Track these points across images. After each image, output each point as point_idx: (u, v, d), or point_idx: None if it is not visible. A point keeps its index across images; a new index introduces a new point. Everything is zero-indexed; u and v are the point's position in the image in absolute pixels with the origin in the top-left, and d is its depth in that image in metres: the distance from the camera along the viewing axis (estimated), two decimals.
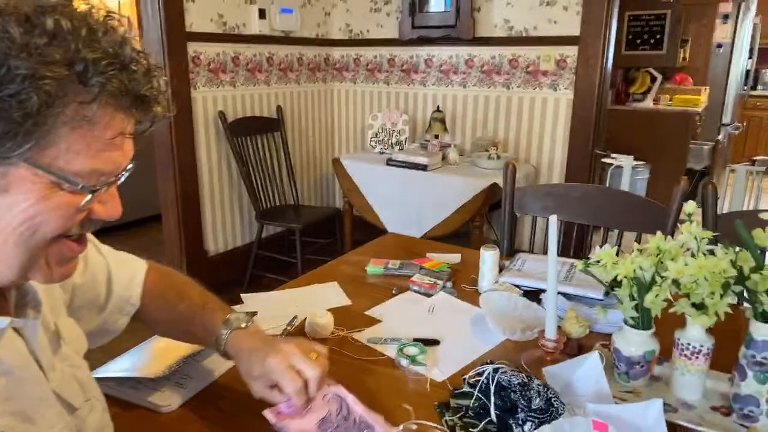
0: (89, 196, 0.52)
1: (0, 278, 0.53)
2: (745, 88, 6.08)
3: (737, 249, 0.85)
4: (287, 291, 1.31)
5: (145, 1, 2.73)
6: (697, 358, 0.87)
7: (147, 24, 2.77)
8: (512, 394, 0.81)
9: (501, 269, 1.33)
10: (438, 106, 3.41)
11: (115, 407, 0.86)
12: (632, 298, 0.89)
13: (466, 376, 0.90)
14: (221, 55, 3.03)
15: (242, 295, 1.28)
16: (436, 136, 3.27)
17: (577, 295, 1.18)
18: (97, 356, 0.92)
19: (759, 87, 7.13)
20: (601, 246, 0.92)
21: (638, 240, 1.52)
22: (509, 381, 0.82)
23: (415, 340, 1.05)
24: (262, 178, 3.20)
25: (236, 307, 1.20)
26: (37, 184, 0.49)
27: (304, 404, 0.78)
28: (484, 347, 1.06)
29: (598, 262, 0.91)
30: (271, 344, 0.82)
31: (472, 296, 1.27)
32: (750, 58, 5.74)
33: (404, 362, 0.98)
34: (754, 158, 3.66)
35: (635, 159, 3.52)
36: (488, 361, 0.89)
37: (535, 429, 0.76)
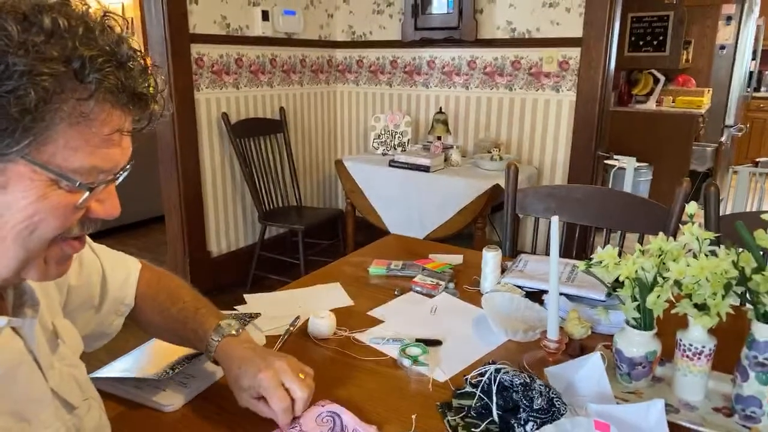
0: (87, 194, 0.53)
1: None
2: (749, 89, 6.07)
3: (739, 250, 0.85)
4: (290, 291, 1.32)
5: (148, 2, 2.74)
6: (699, 358, 0.87)
7: (150, 26, 2.79)
8: (514, 394, 0.81)
9: (503, 270, 1.33)
10: (440, 108, 3.41)
11: (119, 406, 0.87)
12: (634, 298, 0.89)
13: (468, 377, 0.90)
14: (224, 56, 3.04)
15: (245, 295, 1.28)
16: (439, 138, 3.28)
17: (579, 296, 1.18)
18: (100, 357, 0.93)
19: (762, 89, 7.11)
20: (603, 247, 0.92)
21: (641, 241, 1.52)
22: (511, 381, 0.82)
23: (418, 340, 1.05)
24: (265, 179, 3.21)
25: (239, 307, 1.21)
26: (36, 182, 0.50)
27: (288, 424, 0.78)
28: (486, 348, 1.06)
29: (600, 262, 0.91)
30: (263, 357, 0.82)
31: (474, 297, 1.27)
32: (753, 59, 5.73)
33: (406, 362, 0.98)
34: (757, 160, 3.66)
35: (638, 161, 3.52)
36: (490, 362, 0.89)
37: (536, 429, 0.76)
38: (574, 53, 2.98)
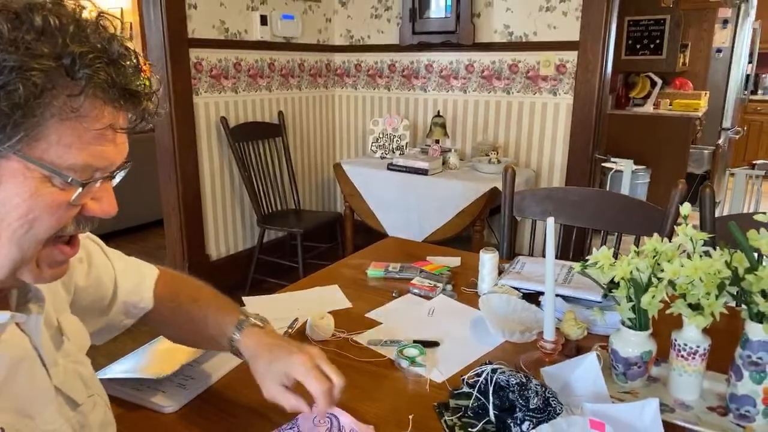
0: (80, 190, 0.53)
1: None
2: (745, 92, 6.09)
3: (733, 251, 0.86)
4: (288, 294, 1.33)
5: (147, 7, 2.76)
6: (693, 358, 0.88)
7: (149, 30, 2.80)
8: (510, 394, 0.82)
9: (500, 272, 1.34)
10: (438, 111, 3.43)
11: (119, 408, 0.87)
12: (629, 299, 0.90)
13: (465, 377, 0.91)
14: (223, 61, 3.06)
15: (244, 298, 1.29)
16: (437, 141, 3.29)
17: (576, 297, 1.19)
18: (99, 360, 0.93)
19: (759, 91, 7.14)
20: (599, 249, 0.93)
21: (637, 243, 1.53)
22: (507, 381, 0.83)
23: (415, 341, 1.06)
24: (263, 183, 3.22)
25: None
26: (29, 179, 0.50)
27: (323, 413, 0.75)
28: (483, 349, 1.07)
29: (595, 263, 0.92)
30: (294, 343, 0.80)
31: (471, 299, 1.28)
32: (750, 62, 5.75)
33: (404, 363, 0.99)
34: (754, 162, 3.67)
35: (635, 163, 3.52)
36: (487, 362, 0.90)
37: (533, 428, 0.76)
38: (571, 57, 2.99)
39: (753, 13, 5.29)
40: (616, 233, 1.66)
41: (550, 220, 0.96)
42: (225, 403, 0.90)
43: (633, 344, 0.91)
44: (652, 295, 0.86)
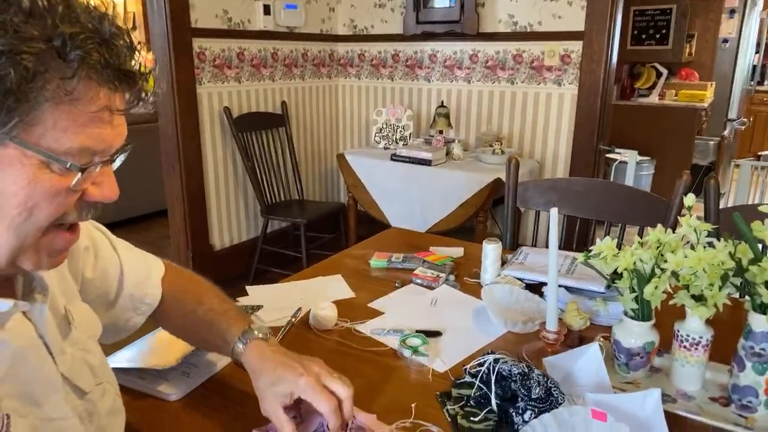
0: (79, 175, 0.52)
1: None
2: (752, 83, 6.05)
3: (737, 242, 0.86)
4: (292, 283, 1.33)
5: None
6: (696, 349, 0.88)
7: (152, 20, 2.79)
8: (512, 383, 0.82)
9: (503, 263, 1.34)
10: (442, 102, 3.42)
11: (125, 395, 0.87)
12: (632, 290, 0.90)
13: (468, 367, 0.91)
14: (226, 50, 3.05)
15: (247, 287, 1.29)
16: (441, 132, 3.28)
17: (579, 288, 1.19)
18: (104, 348, 0.94)
19: (766, 82, 7.08)
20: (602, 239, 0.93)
21: (641, 234, 1.53)
22: (510, 371, 0.83)
23: (418, 331, 1.06)
24: (267, 173, 3.22)
25: (241, 299, 1.22)
26: (27, 166, 0.49)
27: (337, 427, 0.75)
28: (486, 339, 1.07)
29: (599, 254, 0.92)
30: (299, 362, 0.78)
31: (474, 289, 1.28)
32: (757, 53, 5.71)
33: (407, 353, 1.00)
34: (760, 153, 3.65)
35: (640, 154, 3.51)
36: (489, 352, 0.90)
37: (534, 418, 0.77)
38: (576, 47, 2.97)
39: (760, 3, 5.24)
40: (620, 224, 1.66)
41: (554, 211, 0.95)
42: (229, 391, 0.91)
43: (635, 335, 0.91)
44: (655, 286, 0.86)
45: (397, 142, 3.37)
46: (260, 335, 0.83)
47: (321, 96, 3.79)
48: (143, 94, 0.56)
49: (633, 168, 3.29)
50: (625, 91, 5.01)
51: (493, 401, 0.83)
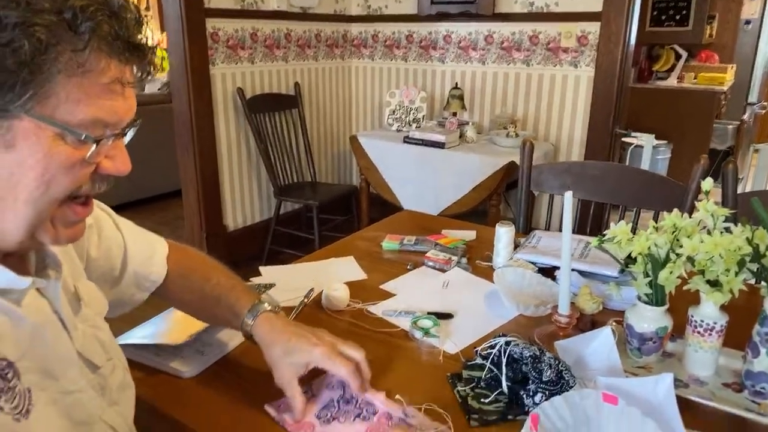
0: (94, 147, 0.53)
1: (8, 238, 0.54)
2: None
3: (755, 228, 0.85)
4: (304, 264, 1.34)
5: None
6: (710, 335, 0.88)
7: (166, 1, 2.78)
8: (524, 366, 0.82)
9: (516, 246, 1.34)
10: (456, 83, 3.38)
11: (139, 372, 0.89)
12: (646, 274, 0.89)
13: (479, 349, 0.91)
14: (239, 31, 3.03)
15: (260, 267, 1.30)
16: (454, 114, 3.25)
17: (592, 272, 1.18)
18: (118, 325, 0.95)
19: None
20: (617, 224, 0.92)
21: (656, 219, 1.51)
22: (521, 354, 0.83)
23: (429, 313, 1.07)
24: (280, 154, 3.22)
25: (254, 279, 1.23)
26: (42, 138, 0.50)
27: (360, 387, 0.79)
28: (498, 321, 1.08)
29: (613, 238, 0.91)
30: (312, 332, 0.81)
31: (486, 272, 1.28)
32: None
33: (418, 334, 1.00)
34: None
35: (657, 138, 3.46)
36: (500, 334, 0.90)
37: (545, 400, 0.77)
38: (593, 28, 2.92)
39: None
40: (635, 209, 1.64)
41: (568, 194, 0.95)
42: (243, 369, 0.92)
43: (648, 319, 0.91)
44: (669, 271, 0.85)
45: (410, 125, 3.35)
46: (269, 308, 0.85)
47: (334, 77, 3.77)
48: (151, 68, 0.57)
49: (649, 152, 3.24)
50: (643, 74, 4.93)
51: (504, 383, 0.83)
